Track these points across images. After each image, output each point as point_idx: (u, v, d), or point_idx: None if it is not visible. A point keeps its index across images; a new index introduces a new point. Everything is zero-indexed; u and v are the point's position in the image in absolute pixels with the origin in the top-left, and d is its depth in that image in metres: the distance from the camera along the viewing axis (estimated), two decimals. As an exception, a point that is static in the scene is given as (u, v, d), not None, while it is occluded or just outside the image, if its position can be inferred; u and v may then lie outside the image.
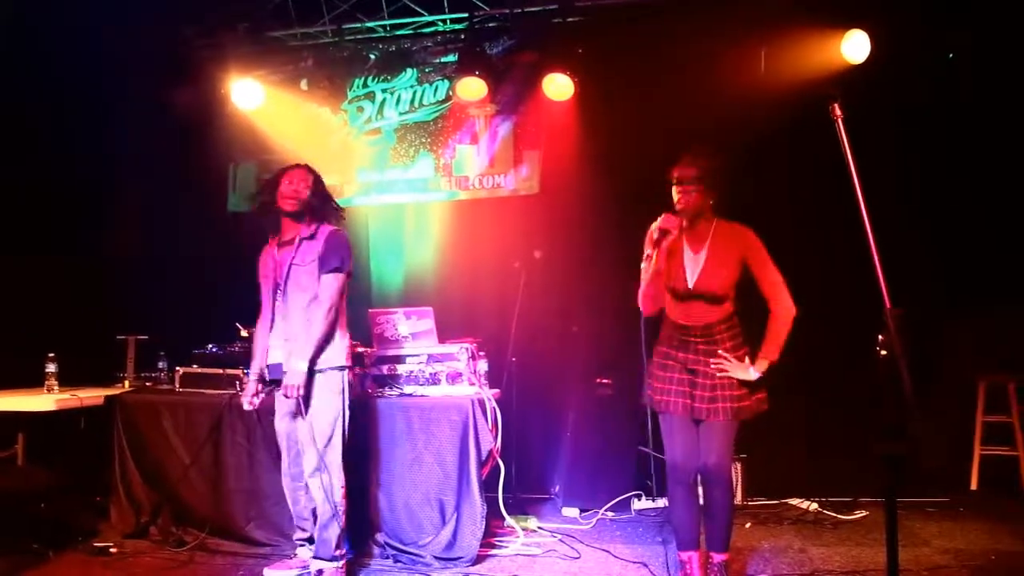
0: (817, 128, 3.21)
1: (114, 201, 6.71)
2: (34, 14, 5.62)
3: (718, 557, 3.74)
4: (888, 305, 2.41)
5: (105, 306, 6.23)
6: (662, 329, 3.82)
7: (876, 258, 2.46)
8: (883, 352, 2.40)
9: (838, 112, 2.59)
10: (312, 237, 4.13)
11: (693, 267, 3.68)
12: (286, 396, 3.99)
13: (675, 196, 3.62)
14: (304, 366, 3.96)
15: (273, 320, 4.16)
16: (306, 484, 4.12)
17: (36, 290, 5.94)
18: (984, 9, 5.41)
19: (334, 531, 4.05)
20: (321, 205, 4.21)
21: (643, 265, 3.64)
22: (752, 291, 3.72)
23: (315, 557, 4.11)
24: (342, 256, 4.12)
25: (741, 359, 3.63)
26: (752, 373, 3.57)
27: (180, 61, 6.51)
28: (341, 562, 4.11)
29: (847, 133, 2.63)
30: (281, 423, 4.20)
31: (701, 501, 3.80)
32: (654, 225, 3.56)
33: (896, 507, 2.46)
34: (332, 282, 4.08)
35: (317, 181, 4.24)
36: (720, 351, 3.62)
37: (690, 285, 3.66)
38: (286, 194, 4.11)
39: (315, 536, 4.14)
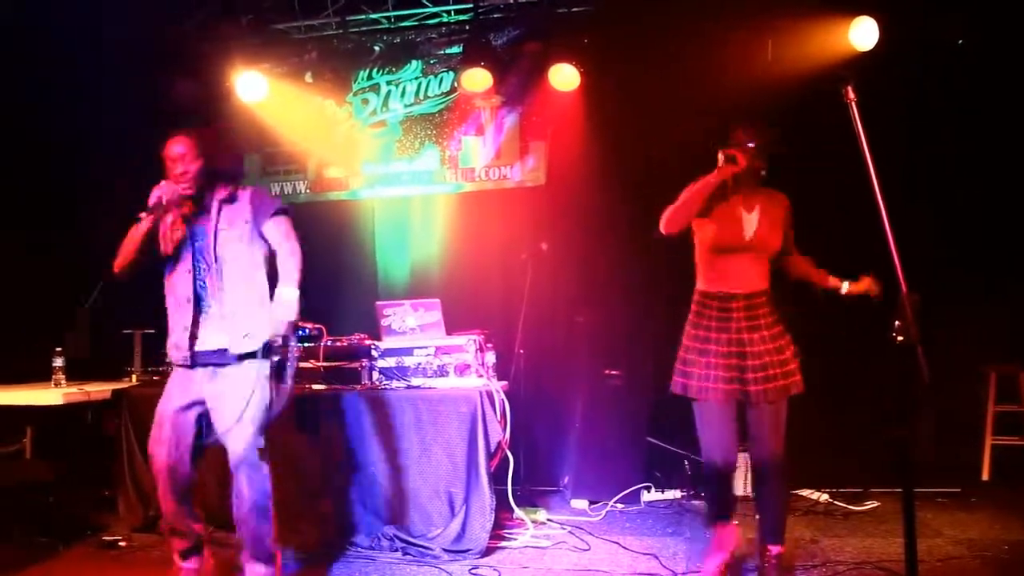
0: (826, 115, 3.18)
1: (119, 194, 6.68)
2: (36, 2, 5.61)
3: (775, 549, 3.68)
4: (904, 290, 2.37)
5: (111, 300, 6.22)
6: (695, 308, 3.74)
7: (892, 243, 2.42)
8: (899, 338, 2.36)
9: (851, 95, 2.55)
10: (232, 199, 3.66)
11: (749, 224, 3.65)
12: (282, 335, 3.43)
13: (732, 156, 3.54)
14: (296, 293, 3.49)
15: (197, 300, 3.60)
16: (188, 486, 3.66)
17: (43, 285, 5.93)
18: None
19: (268, 526, 3.64)
20: (227, 166, 3.82)
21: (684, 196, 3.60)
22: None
23: (253, 559, 3.64)
24: (276, 201, 3.76)
25: (779, 336, 3.62)
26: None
27: (184, 53, 6.48)
28: (277, 559, 3.70)
29: (857, 116, 2.59)
30: (176, 405, 3.61)
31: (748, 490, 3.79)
32: (723, 155, 3.55)
33: (913, 495, 2.42)
34: (285, 222, 3.67)
35: (204, 143, 3.63)
36: (762, 323, 3.61)
37: (748, 237, 3.63)
38: (178, 178, 3.56)
39: (245, 536, 3.64)
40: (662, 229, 3.62)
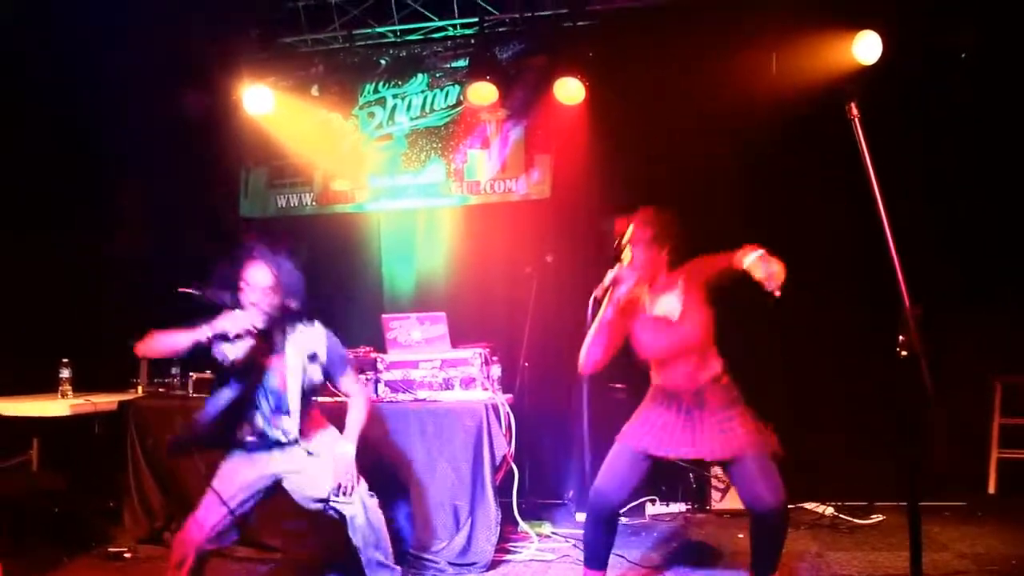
0: (830, 129, 3.19)
1: (127, 207, 6.76)
2: (46, 20, 5.64)
3: None
4: (908, 304, 2.38)
5: (118, 312, 6.26)
6: (648, 392, 3.66)
7: (895, 257, 2.43)
8: (903, 352, 2.37)
9: (855, 111, 2.56)
10: (313, 358, 3.69)
11: (673, 307, 3.53)
12: (345, 492, 3.59)
13: (628, 256, 3.54)
14: (354, 449, 3.64)
15: (261, 434, 3.64)
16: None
17: (49, 296, 5.97)
18: (995, 8, 5.38)
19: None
20: (293, 301, 3.65)
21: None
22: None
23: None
24: (346, 354, 3.87)
25: (736, 417, 3.44)
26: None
27: (192, 67, 6.53)
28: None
29: (861, 133, 2.60)
30: (238, 487, 3.65)
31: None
32: (607, 276, 3.46)
33: (919, 509, 2.42)
34: (355, 373, 3.91)
35: (287, 279, 3.60)
36: (713, 406, 3.45)
37: (675, 318, 3.51)
38: (256, 306, 3.49)
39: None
40: (582, 371, 3.57)
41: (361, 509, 3.58)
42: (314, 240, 6.74)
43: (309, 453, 3.68)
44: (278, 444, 3.67)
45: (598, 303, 3.47)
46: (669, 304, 3.54)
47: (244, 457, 3.67)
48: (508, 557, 4.60)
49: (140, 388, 5.52)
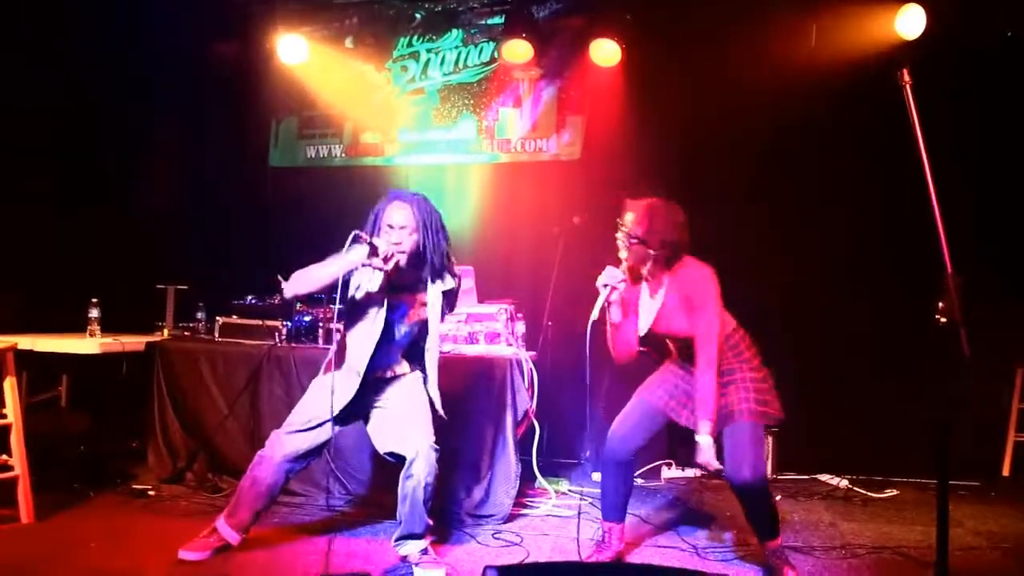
0: (867, 101, 3.17)
1: (158, 153, 6.80)
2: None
3: (772, 544, 3.61)
4: (950, 270, 2.38)
5: (146, 256, 6.32)
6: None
7: (940, 225, 2.42)
8: (943, 319, 2.37)
9: (907, 78, 2.53)
10: (448, 296, 3.73)
11: (648, 314, 3.60)
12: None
13: (619, 243, 3.55)
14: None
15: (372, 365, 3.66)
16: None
17: (80, 239, 6.03)
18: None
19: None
20: (436, 248, 3.62)
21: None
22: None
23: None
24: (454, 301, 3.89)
25: (734, 383, 3.49)
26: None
27: (226, 15, 6.52)
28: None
29: (912, 100, 2.57)
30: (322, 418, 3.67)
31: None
32: (599, 280, 3.46)
33: (947, 474, 2.44)
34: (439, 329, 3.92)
35: (423, 215, 3.57)
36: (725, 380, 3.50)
37: (642, 332, 3.60)
38: (396, 246, 3.50)
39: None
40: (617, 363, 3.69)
41: (423, 461, 3.52)
42: (342, 192, 6.77)
43: (407, 394, 3.75)
44: (385, 380, 3.76)
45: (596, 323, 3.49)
46: (648, 305, 3.62)
47: (345, 387, 3.62)
48: (525, 511, 4.65)
49: (166, 331, 5.57)
